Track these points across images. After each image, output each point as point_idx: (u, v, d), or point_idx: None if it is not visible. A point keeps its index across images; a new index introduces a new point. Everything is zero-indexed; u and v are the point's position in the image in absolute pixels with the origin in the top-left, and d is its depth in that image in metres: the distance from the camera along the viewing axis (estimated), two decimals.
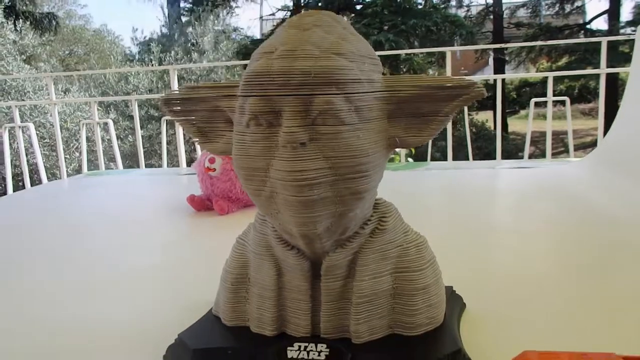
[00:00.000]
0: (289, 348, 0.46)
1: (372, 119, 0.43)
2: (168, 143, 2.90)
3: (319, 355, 0.45)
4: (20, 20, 8.26)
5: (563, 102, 2.29)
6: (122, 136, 6.56)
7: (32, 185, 2.66)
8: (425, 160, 2.50)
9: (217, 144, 0.49)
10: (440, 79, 0.44)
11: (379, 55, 0.46)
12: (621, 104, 1.41)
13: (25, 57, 7.86)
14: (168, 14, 10.18)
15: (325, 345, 0.46)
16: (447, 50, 2.50)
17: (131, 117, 5.94)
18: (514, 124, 10.47)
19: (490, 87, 3.23)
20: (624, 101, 1.40)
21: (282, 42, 0.42)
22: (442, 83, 0.44)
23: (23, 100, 5.84)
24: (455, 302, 0.54)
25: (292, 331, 0.48)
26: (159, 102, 0.50)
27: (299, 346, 0.46)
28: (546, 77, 2.28)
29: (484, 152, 7.20)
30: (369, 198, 0.46)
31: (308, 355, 0.45)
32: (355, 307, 0.46)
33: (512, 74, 9.05)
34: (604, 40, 2.21)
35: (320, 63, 0.40)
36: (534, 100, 2.28)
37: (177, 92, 0.49)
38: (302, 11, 0.42)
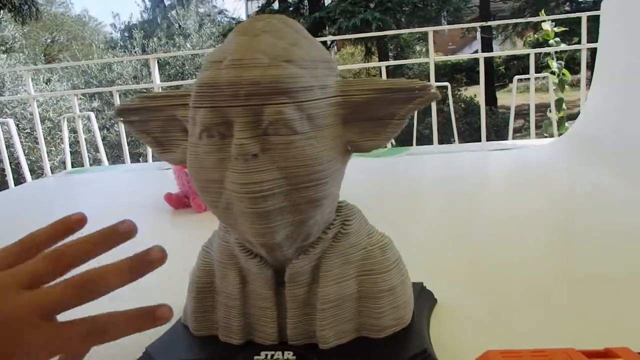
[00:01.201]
0: (255, 357, 0.46)
1: (326, 125, 0.42)
2: None
3: None
4: (1, 11, 8.12)
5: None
6: (107, 126, 6.51)
7: (15, 183, 2.64)
8: (411, 141, 2.50)
9: (174, 154, 0.48)
10: (393, 82, 0.43)
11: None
12: (591, 85, 1.41)
13: (4, 49, 7.75)
14: None
15: (292, 353, 0.46)
16: (429, 30, 2.48)
17: None
18: (503, 98, 10.46)
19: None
20: (593, 82, 1.40)
21: (231, 50, 0.41)
22: (395, 86, 0.43)
23: (2, 94, 5.76)
24: (425, 299, 0.54)
25: (260, 339, 0.48)
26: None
27: (266, 354, 0.46)
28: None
29: (474, 127, 7.19)
30: (328, 204, 0.45)
31: None
32: (321, 313, 0.46)
33: (496, 52, 9.00)
34: (584, 16, 2.20)
35: (269, 72, 0.39)
36: (516, 77, 2.27)
37: (132, 102, 0.48)
38: (255, 14, 0.41)
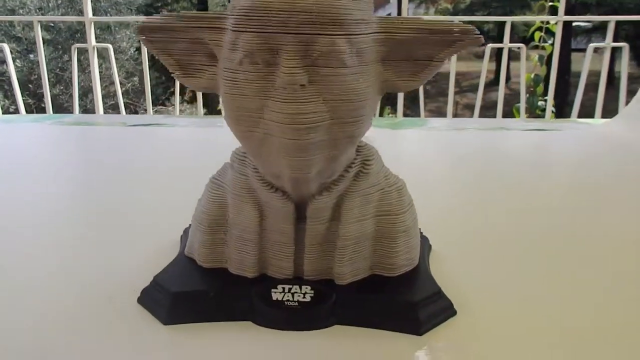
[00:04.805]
0: (273, 290, 0.46)
1: (370, 62, 0.42)
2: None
3: (304, 297, 0.46)
4: None
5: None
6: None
7: None
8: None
9: (198, 79, 0.46)
10: (435, 23, 0.43)
11: None
12: None
13: None
14: None
15: (309, 287, 0.47)
16: None
17: (18, 39, 5.40)
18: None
19: None
20: None
21: None
22: (436, 27, 0.43)
23: None
24: (424, 244, 0.56)
25: (274, 273, 0.48)
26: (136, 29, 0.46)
27: (283, 288, 0.46)
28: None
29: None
30: (356, 144, 0.46)
31: (293, 297, 0.46)
32: (341, 250, 0.47)
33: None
34: None
35: (323, 1, 0.38)
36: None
37: (156, 20, 0.45)
38: None
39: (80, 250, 0.61)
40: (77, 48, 2.33)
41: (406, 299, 0.46)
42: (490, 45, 2.33)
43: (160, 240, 0.60)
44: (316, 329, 0.44)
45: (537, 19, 2.52)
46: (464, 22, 0.44)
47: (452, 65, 2.30)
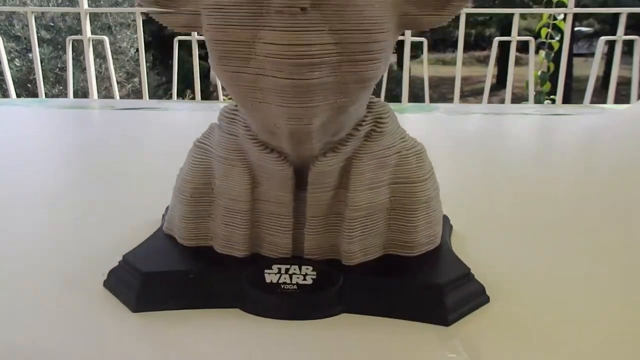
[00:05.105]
0: (266, 271, 0.38)
1: None
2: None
3: (304, 279, 0.37)
4: None
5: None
6: (7, 59, 5.92)
7: None
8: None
9: (178, 18, 0.38)
10: None
11: None
12: None
13: None
14: None
15: (311, 268, 0.38)
16: None
17: (17, 38, 5.32)
18: (415, 69, 10.50)
19: None
20: None
21: None
22: None
23: None
24: (445, 223, 0.48)
25: (268, 252, 0.40)
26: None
27: (279, 269, 0.38)
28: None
29: (392, 95, 7.21)
30: (370, 91, 0.38)
31: (291, 280, 0.37)
32: (349, 222, 0.39)
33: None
34: None
35: None
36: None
37: None
38: None
39: (45, 230, 0.53)
40: (72, 40, 2.26)
41: (430, 281, 0.38)
42: (497, 39, 2.26)
43: (141, 220, 0.52)
44: (319, 318, 0.36)
45: (546, 11, 2.44)
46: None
47: (458, 69, 2.23)
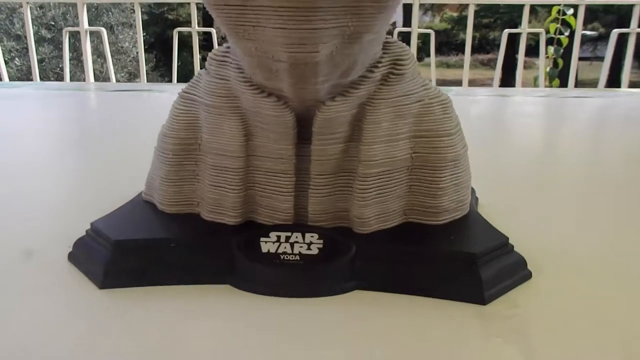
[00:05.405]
0: (262, 239, 0.31)
1: None
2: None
3: (308, 248, 0.31)
4: None
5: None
6: (6, 59, 5.86)
7: None
8: None
9: None
10: None
11: None
12: None
13: None
14: None
15: (316, 235, 0.32)
16: None
17: (18, 37, 5.26)
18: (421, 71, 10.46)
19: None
20: None
21: None
22: None
23: None
24: (472, 192, 0.41)
25: (265, 218, 0.34)
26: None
27: (278, 236, 0.32)
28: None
29: None
30: (387, 23, 0.31)
31: (292, 249, 0.31)
32: (362, 181, 0.32)
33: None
34: None
35: None
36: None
37: None
38: None
39: (16, 200, 0.46)
40: (69, 31, 2.21)
41: (462, 250, 0.31)
42: (507, 31, 2.19)
43: (121, 193, 0.45)
44: (327, 295, 0.30)
45: (557, 1, 2.37)
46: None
47: (465, 72, 2.18)
